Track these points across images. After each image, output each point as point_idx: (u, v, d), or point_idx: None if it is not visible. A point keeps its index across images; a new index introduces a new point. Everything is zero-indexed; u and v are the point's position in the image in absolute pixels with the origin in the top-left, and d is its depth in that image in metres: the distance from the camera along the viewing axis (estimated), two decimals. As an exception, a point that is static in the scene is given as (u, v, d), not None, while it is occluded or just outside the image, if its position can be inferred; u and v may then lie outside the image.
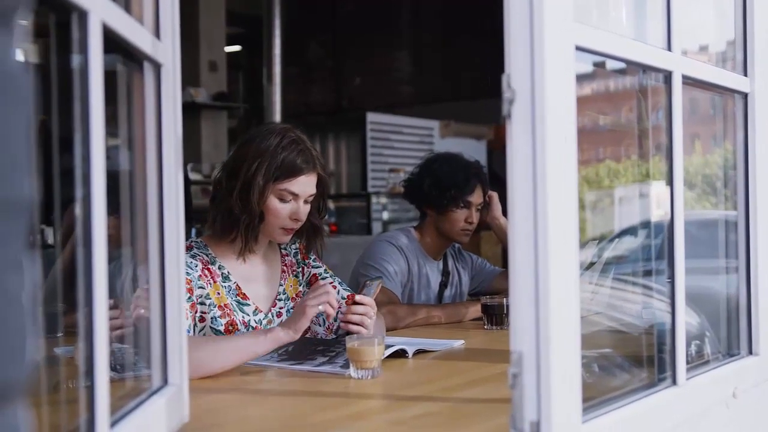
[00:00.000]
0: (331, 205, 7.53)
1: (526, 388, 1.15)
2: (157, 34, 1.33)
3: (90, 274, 0.98)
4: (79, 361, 1.42)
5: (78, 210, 0.99)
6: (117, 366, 1.31)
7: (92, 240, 0.99)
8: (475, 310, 2.79)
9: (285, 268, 2.34)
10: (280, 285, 2.31)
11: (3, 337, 0.51)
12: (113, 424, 1.06)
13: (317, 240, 2.32)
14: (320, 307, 1.93)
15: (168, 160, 1.35)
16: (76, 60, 1.00)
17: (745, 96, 1.77)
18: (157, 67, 1.32)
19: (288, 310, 2.28)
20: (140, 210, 1.34)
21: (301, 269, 2.37)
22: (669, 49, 1.49)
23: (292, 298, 2.32)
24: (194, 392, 1.45)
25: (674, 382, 1.49)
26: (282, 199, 2.16)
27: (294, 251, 2.38)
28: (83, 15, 0.97)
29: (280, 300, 2.29)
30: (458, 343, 2.31)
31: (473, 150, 6.50)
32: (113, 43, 1.09)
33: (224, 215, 2.17)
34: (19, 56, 0.53)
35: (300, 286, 2.35)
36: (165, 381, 1.34)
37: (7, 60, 0.52)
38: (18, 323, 0.53)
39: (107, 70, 1.04)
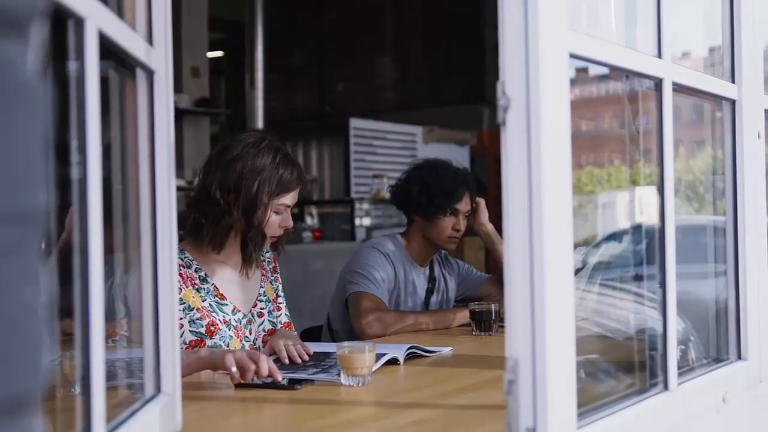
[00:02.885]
0: (314, 211, 7.52)
1: (522, 395, 1.15)
2: (149, 41, 1.32)
3: (86, 283, 0.98)
4: (67, 370, 1.41)
5: (75, 217, 0.98)
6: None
7: (88, 248, 0.98)
8: (462, 316, 2.79)
9: (264, 271, 2.42)
10: (261, 287, 2.38)
11: (20, 348, 0.51)
12: (109, 433, 1.06)
13: (284, 237, 2.37)
14: (233, 369, 1.79)
15: (161, 167, 1.34)
16: (71, 66, 0.99)
17: (732, 102, 1.79)
18: (150, 74, 1.32)
19: (269, 311, 2.37)
20: (132, 217, 1.33)
21: (274, 278, 2.47)
22: (659, 56, 1.50)
23: (272, 300, 2.41)
24: (187, 401, 1.44)
25: (666, 387, 1.49)
26: (277, 212, 2.25)
27: (267, 260, 2.46)
28: (80, 22, 0.97)
29: (261, 301, 2.37)
30: (447, 350, 2.31)
31: (456, 156, 6.49)
32: (107, 49, 1.09)
33: (222, 230, 2.21)
34: (34, 65, 0.53)
35: (274, 292, 2.44)
36: (158, 389, 1.34)
37: (23, 70, 0.51)
38: (34, 333, 0.52)
39: (100, 76, 1.03)
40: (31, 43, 0.53)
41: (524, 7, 1.14)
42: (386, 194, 6.90)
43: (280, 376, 1.82)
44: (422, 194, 2.92)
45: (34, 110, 0.52)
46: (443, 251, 3.13)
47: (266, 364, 1.79)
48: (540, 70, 1.14)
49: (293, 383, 1.83)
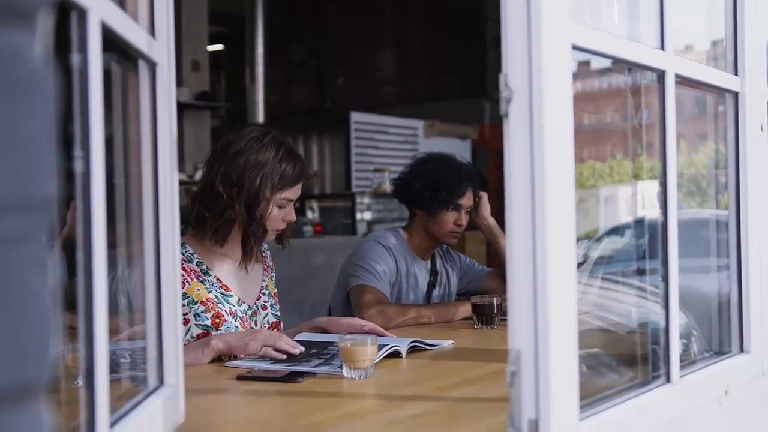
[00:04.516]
0: (315, 205, 7.52)
1: (525, 387, 1.15)
2: (152, 32, 1.32)
3: (90, 276, 0.97)
4: (69, 362, 1.41)
5: (78, 211, 0.98)
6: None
7: (92, 241, 0.98)
8: (464, 309, 2.79)
9: (265, 266, 2.45)
10: (263, 281, 2.41)
11: (28, 336, 0.51)
12: (112, 424, 1.06)
13: (288, 230, 2.38)
14: (262, 351, 2.01)
15: (163, 160, 1.34)
16: (74, 58, 0.99)
17: (735, 95, 1.78)
18: (152, 66, 1.31)
19: (272, 305, 2.41)
20: (135, 210, 1.33)
21: (272, 275, 2.49)
22: (662, 48, 1.50)
23: (273, 295, 2.44)
24: (189, 393, 1.44)
25: (668, 379, 1.49)
26: (280, 207, 2.27)
27: (268, 256, 2.49)
28: (83, 13, 0.97)
29: (263, 294, 2.40)
30: (448, 343, 2.31)
31: (457, 150, 6.49)
32: (109, 41, 1.08)
33: (225, 224, 2.23)
34: (41, 55, 0.53)
35: (274, 288, 2.47)
36: (161, 381, 1.34)
37: (30, 60, 0.51)
38: (42, 322, 0.52)
39: (102, 68, 1.03)
40: (38, 32, 0.53)
41: (527, -1, 1.14)
42: (388, 188, 6.90)
43: (300, 349, 2.01)
44: (425, 188, 2.92)
45: (42, 100, 0.52)
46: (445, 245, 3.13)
47: (288, 340, 2.02)
48: (543, 61, 1.14)
49: (295, 376, 1.84)
